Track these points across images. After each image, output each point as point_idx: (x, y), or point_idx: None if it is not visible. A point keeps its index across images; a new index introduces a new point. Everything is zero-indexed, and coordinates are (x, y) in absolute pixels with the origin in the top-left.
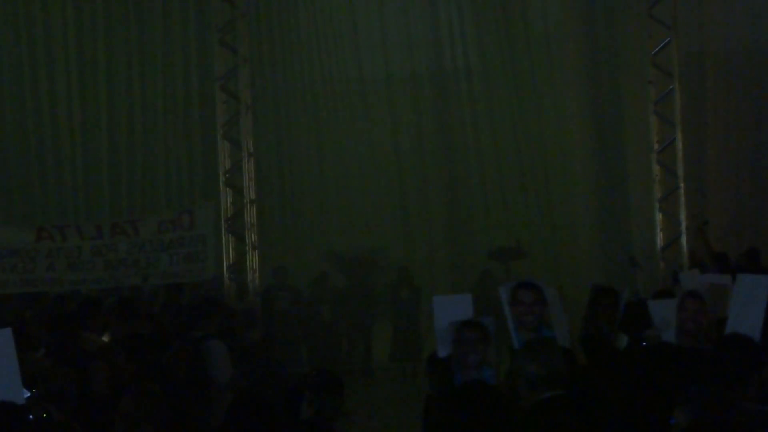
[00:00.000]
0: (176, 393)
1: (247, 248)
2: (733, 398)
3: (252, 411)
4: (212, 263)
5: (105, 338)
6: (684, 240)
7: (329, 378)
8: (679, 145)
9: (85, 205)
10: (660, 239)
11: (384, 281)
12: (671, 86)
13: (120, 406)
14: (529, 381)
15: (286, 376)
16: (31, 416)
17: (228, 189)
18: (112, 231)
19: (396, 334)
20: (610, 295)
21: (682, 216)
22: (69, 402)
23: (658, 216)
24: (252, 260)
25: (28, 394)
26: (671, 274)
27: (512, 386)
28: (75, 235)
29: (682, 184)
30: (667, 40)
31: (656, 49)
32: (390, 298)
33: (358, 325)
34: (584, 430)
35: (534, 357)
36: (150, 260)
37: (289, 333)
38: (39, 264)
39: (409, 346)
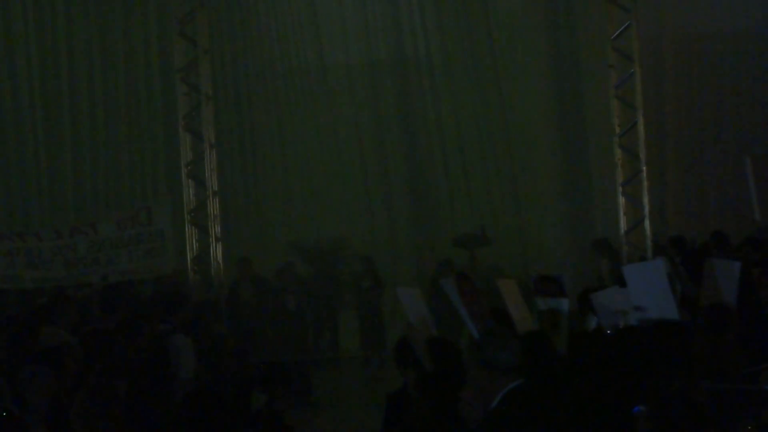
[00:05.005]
0: (138, 388)
1: (211, 240)
2: (694, 382)
3: (204, 404)
4: (172, 258)
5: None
6: (647, 224)
7: (279, 371)
8: (641, 128)
9: (50, 201)
10: (623, 223)
11: (349, 270)
12: (632, 70)
13: (75, 403)
14: (502, 369)
15: (244, 369)
16: None
17: (190, 181)
18: (71, 233)
19: (361, 323)
20: (547, 281)
21: (645, 200)
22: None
23: (621, 200)
24: (216, 252)
25: None
26: (638, 259)
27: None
28: (33, 238)
29: (644, 168)
30: (627, 23)
31: (616, 33)
32: (354, 288)
33: (324, 314)
34: (554, 415)
35: (504, 346)
36: (110, 258)
37: (255, 324)
38: None
39: (373, 335)
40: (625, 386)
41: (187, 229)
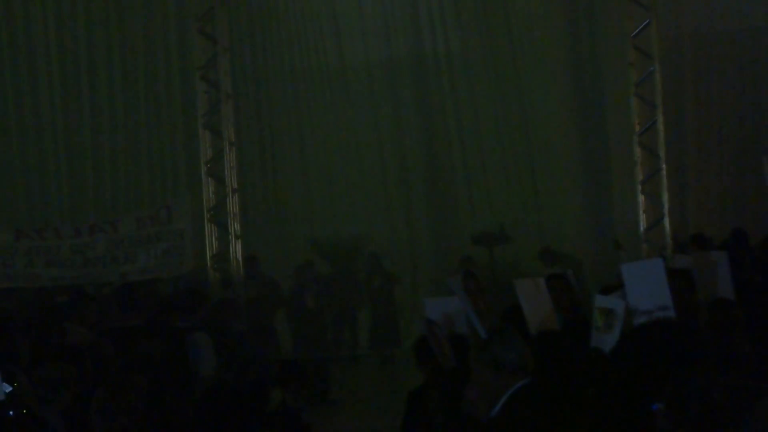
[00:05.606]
0: (158, 385)
1: (230, 238)
2: (713, 378)
3: (222, 401)
4: (190, 257)
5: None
6: (666, 222)
7: (295, 368)
8: (661, 126)
9: (69, 200)
10: (643, 221)
11: (364, 268)
12: (651, 68)
13: (95, 399)
14: (508, 369)
15: (262, 367)
16: (10, 412)
17: (210, 179)
18: (90, 230)
19: (373, 321)
20: (558, 279)
21: (665, 198)
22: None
23: (641, 198)
24: (235, 250)
25: (10, 389)
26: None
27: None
28: (53, 236)
29: (664, 166)
30: (647, 21)
31: (636, 31)
32: (365, 286)
33: (342, 312)
34: (562, 415)
35: (511, 345)
36: (128, 256)
37: (265, 321)
38: (18, 260)
39: (385, 333)
40: (643, 383)
41: (206, 226)
